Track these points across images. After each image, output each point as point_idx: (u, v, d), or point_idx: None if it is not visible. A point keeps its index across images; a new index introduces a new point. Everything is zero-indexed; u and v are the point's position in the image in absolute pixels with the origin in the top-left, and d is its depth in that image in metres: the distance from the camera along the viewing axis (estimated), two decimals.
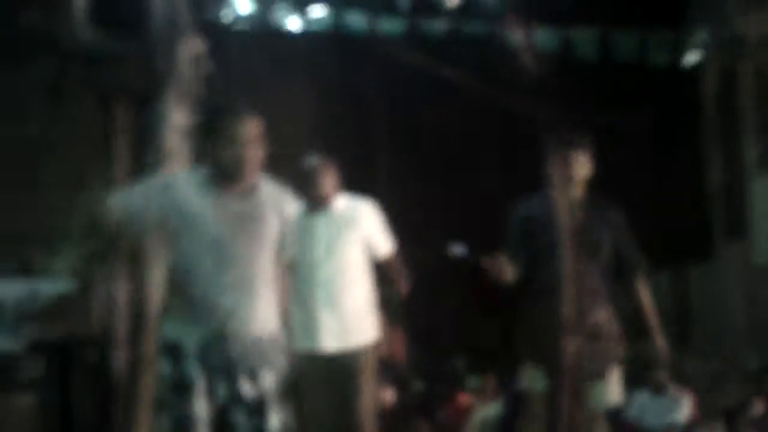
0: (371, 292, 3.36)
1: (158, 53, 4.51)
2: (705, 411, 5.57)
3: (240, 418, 2.44)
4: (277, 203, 2.53)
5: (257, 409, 2.45)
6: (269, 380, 2.46)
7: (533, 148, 3.31)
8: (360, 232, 3.32)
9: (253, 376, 2.44)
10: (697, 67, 9.21)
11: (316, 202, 3.27)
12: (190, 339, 2.42)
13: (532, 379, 3.19)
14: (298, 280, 3.09)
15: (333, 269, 3.24)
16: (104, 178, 5.13)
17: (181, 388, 2.42)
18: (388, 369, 5.72)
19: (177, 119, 4.56)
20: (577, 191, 3.13)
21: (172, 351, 2.44)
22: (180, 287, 2.46)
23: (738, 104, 8.80)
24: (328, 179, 3.30)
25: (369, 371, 3.30)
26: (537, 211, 3.10)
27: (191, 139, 4.60)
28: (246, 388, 2.44)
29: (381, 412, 5.26)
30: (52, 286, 4.77)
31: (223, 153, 2.42)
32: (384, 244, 3.40)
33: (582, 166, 3.11)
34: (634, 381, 5.97)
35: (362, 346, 3.28)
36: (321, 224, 3.26)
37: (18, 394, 3.90)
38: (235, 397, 2.44)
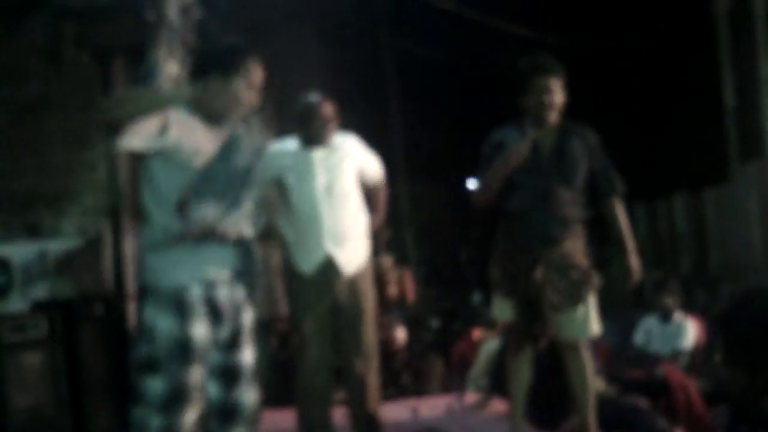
0: (365, 223, 3.47)
1: (147, 5, 4.49)
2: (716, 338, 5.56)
3: (212, 357, 2.36)
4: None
5: (230, 344, 2.40)
6: (247, 316, 2.45)
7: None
8: (353, 163, 3.45)
9: (236, 313, 2.41)
10: None
11: (317, 139, 3.37)
12: (196, 285, 2.29)
13: (499, 310, 3.22)
14: (302, 212, 3.23)
15: (336, 200, 3.30)
16: (104, 134, 5.14)
17: (183, 351, 2.26)
18: (400, 309, 5.80)
19: (169, 70, 4.57)
20: (552, 117, 3.10)
21: (176, 303, 2.27)
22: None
23: (751, 21, 8.59)
24: (329, 117, 3.39)
25: (371, 300, 3.41)
26: (511, 136, 3.08)
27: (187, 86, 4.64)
28: (226, 328, 2.40)
29: (394, 349, 5.35)
30: (60, 245, 4.81)
31: None
32: (375, 170, 3.55)
33: (556, 93, 3.08)
34: (643, 307, 5.99)
35: (364, 270, 3.38)
36: (319, 157, 3.34)
37: (27, 352, 3.98)
38: (220, 339, 2.39)
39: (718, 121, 9.46)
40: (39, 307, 4.26)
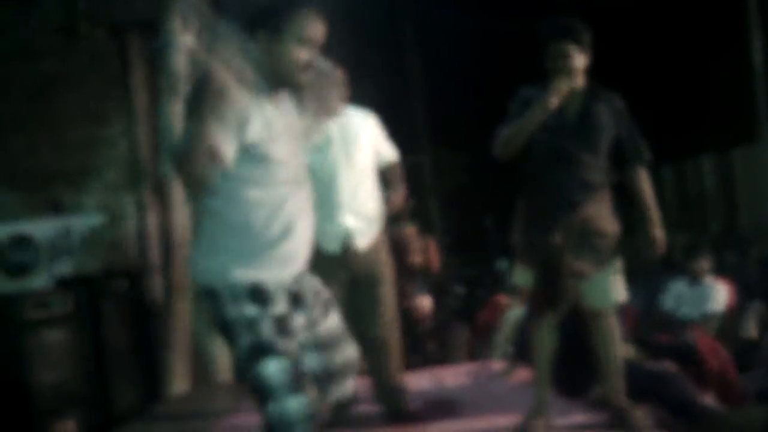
0: (379, 198, 3.43)
1: None
2: (747, 300, 5.48)
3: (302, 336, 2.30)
4: None
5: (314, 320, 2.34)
6: (322, 289, 2.42)
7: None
8: (370, 139, 3.38)
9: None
10: None
11: (328, 108, 3.30)
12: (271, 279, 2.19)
13: (520, 276, 3.17)
14: (317, 184, 3.18)
15: (352, 172, 3.27)
16: (123, 109, 5.14)
17: (281, 327, 2.18)
18: (424, 277, 5.77)
19: (185, 41, 4.53)
20: (576, 81, 3.02)
21: (253, 293, 2.16)
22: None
23: None
24: (340, 84, 3.32)
25: (389, 268, 3.38)
26: (536, 97, 3.00)
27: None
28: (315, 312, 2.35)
29: (418, 317, 5.34)
30: (83, 221, 4.83)
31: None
32: (390, 151, 3.51)
33: (573, 58, 2.98)
34: (672, 270, 5.91)
35: (379, 240, 3.36)
36: (335, 129, 3.29)
37: (52, 329, 4.01)
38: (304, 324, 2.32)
39: (746, 80, 9.25)
40: (63, 283, 4.29)
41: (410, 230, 5.65)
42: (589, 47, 3.03)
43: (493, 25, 9.64)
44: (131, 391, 4.25)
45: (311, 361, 2.31)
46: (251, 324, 2.14)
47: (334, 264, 3.26)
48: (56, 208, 4.94)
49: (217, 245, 2.18)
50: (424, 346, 5.32)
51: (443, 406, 3.54)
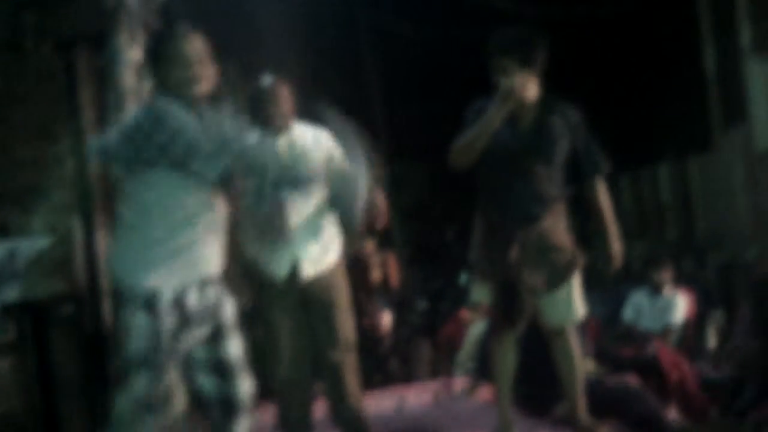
0: (334, 218, 3.30)
1: None
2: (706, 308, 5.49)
3: (199, 354, 2.41)
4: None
5: (214, 338, 2.42)
6: (227, 310, 2.46)
7: None
8: (323, 155, 3.23)
9: (214, 313, 2.42)
10: None
11: (274, 124, 3.18)
12: (167, 287, 2.31)
13: (478, 292, 3.14)
14: (267, 207, 3.06)
15: (301, 192, 3.16)
16: (71, 127, 4.98)
17: (153, 351, 2.29)
18: (384, 293, 5.69)
19: (132, 56, 4.41)
20: (531, 94, 2.97)
21: (148, 302, 2.30)
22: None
23: None
24: (285, 99, 3.21)
25: (344, 292, 3.28)
26: (487, 108, 2.95)
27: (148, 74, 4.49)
28: (204, 329, 2.40)
29: (379, 335, 5.25)
30: (29, 244, 4.66)
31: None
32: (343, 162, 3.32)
33: (518, 73, 2.91)
34: (631, 280, 5.91)
35: (335, 266, 3.25)
36: (282, 146, 3.17)
37: None
38: (197, 340, 2.42)
39: (700, 88, 9.36)
40: (7, 309, 4.12)
41: (368, 245, 5.56)
42: (536, 62, 2.98)
43: (450, 35, 9.64)
44: (81, 424, 4.08)
45: (208, 385, 2.42)
46: (134, 333, 2.30)
47: (282, 289, 3.15)
48: (2, 230, 4.75)
49: (121, 249, 2.41)
50: (387, 364, 5.25)
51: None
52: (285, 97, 3.21)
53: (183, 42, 2.35)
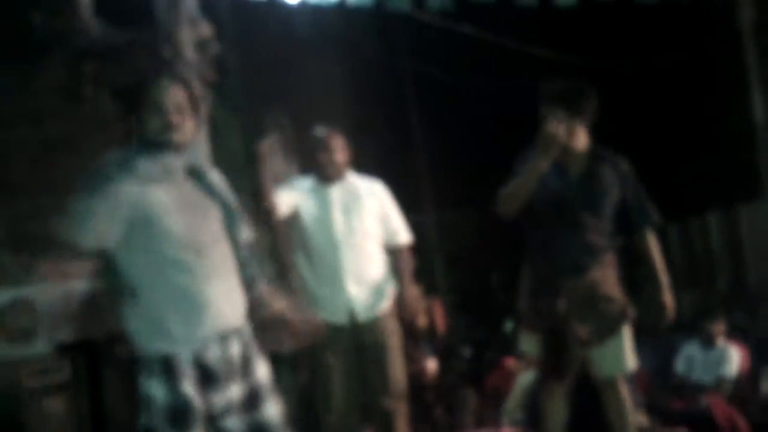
0: (386, 264, 3.33)
1: (163, 41, 4.47)
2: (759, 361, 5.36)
3: (235, 426, 2.24)
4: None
5: (250, 403, 2.27)
6: (260, 369, 2.31)
7: None
8: (376, 207, 3.30)
9: (244, 370, 2.26)
10: None
11: (327, 173, 3.26)
12: (184, 346, 2.17)
13: (526, 343, 3.10)
14: (319, 252, 3.11)
15: (356, 238, 3.20)
16: None
17: (179, 416, 2.15)
18: (429, 339, 5.66)
19: None
20: (578, 144, 2.98)
21: (164, 367, 2.18)
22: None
23: None
24: (339, 149, 3.28)
25: (396, 336, 3.30)
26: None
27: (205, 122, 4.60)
28: (235, 389, 2.24)
29: (425, 382, 5.21)
30: (85, 286, 4.75)
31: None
32: (402, 231, 3.41)
33: (570, 122, 2.93)
34: (683, 330, 5.80)
35: (388, 311, 3.27)
36: (336, 194, 3.23)
37: (51, 397, 3.91)
38: (228, 402, 2.23)
39: (748, 136, 9.27)
40: (62, 349, 4.20)
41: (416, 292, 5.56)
42: (585, 111, 3.00)
43: (496, 83, 9.71)
44: None
45: None
46: (150, 404, 2.19)
47: (336, 332, 3.18)
48: (60, 272, 4.86)
49: (134, 311, 2.28)
50: (432, 412, 5.20)
51: None
52: (339, 147, 3.28)
53: (163, 90, 2.32)
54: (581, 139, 3.00)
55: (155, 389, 2.19)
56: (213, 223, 2.32)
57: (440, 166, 10.85)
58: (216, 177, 2.40)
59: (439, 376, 5.42)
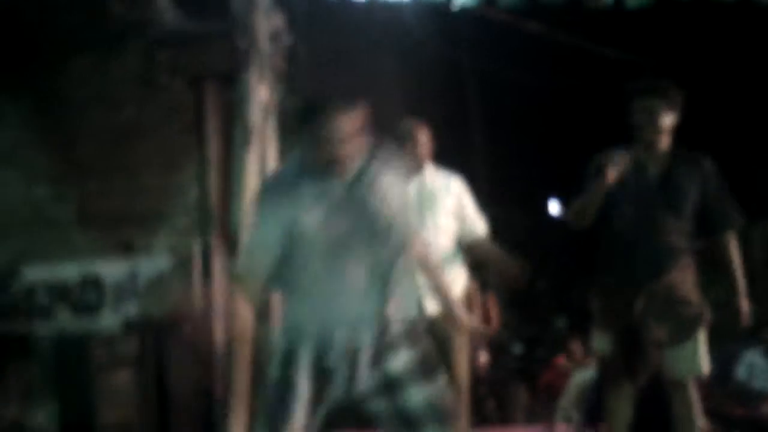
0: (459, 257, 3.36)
1: (238, 32, 4.58)
2: None
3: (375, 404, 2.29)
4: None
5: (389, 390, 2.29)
6: (400, 360, 2.34)
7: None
8: (452, 202, 3.32)
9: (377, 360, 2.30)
10: None
11: (409, 167, 3.28)
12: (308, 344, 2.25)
13: (599, 341, 3.09)
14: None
15: (427, 234, 3.24)
16: (196, 157, 5.26)
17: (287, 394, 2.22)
18: (483, 334, 5.69)
19: (261, 95, 4.63)
20: (663, 142, 2.98)
21: (286, 359, 2.26)
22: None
23: None
24: (423, 142, 3.30)
25: (462, 330, 3.33)
26: (614, 157, 2.96)
27: (276, 113, 4.69)
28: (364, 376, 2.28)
29: (477, 376, 5.25)
30: (151, 264, 4.90)
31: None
32: (481, 224, 3.40)
33: (662, 116, 2.95)
34: (743, 338, 5.71)
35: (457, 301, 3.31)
36: (414, 190, 3.27)
37: (118, 370, 4.05)
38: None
39: None
40: (130, 326, 4.35)
41: (471, 286, 5.60)
42: (678, 107, 2.99)
43: (556, 82, 9.64)
44: None
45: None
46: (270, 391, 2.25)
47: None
48: (126, 248, 5.02)
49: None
50: (483, 405, 5.24)
51: None
52: (423, 139, 3.29)
53: (330, 122, 2.24)
54: (665, 139, 2.98)
55: (273, 379, 2.26)
56: (359, 236, 2.31)
57: (496, 164, 10.83)
58: (381, 185, 2.35)
59: (490, 371, 5.46)
